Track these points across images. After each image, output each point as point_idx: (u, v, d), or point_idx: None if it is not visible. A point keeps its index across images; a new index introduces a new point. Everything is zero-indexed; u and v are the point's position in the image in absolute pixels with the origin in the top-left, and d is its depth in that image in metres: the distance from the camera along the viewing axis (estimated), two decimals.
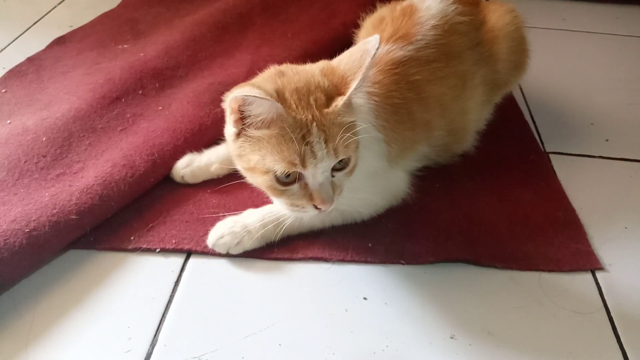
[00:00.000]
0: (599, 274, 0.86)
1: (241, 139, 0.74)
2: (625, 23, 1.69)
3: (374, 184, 0.88)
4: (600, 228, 0.93)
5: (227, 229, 0.83)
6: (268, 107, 0.69)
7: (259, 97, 0.67)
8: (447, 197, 0.97)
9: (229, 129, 0.76)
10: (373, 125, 0.84)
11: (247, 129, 0.72)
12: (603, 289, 0.83)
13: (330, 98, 0.73)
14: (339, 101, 0.72)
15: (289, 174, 0.72)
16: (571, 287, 0.83)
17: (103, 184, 0.87)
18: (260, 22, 1.40)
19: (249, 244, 0.84)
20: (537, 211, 0.95)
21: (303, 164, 0.71)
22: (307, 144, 0.70)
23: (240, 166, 0.78)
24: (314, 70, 0.77)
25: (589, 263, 0.87)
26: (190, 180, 0.96)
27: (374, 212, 0.91)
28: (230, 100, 0.71)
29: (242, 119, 0.72)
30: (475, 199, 0.97)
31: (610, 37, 1.61)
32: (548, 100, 1.29)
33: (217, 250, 0.84)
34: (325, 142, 0.71)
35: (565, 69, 1.43)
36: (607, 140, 1.16)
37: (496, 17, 1.04)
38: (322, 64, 0.78)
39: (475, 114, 1.02)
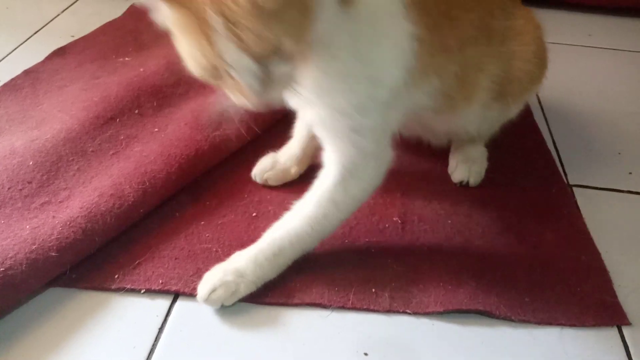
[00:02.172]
0: (625, 330, 0.78)
1: None
2: None
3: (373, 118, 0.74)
4: (628, 275, 0.85)
5: (218, 281, 0.75)
6: None
7: None
8: (460, 236, 0.89)
9: None
10: (403, 8, 0.69)
11: None
12: (630, 349, 0.75)
13: None
14: None
15: None
16: (595, 346, 0.75)
17: (88, 216, 0.81)
18: None
19: (244, 291, 0.77)
20: (559, 254, 0.87)
21: None
22: None
23: None
24: None
25: (614, 318, 0.78)
26: (273, 183, 0.95)
27: (371, 187, 0.80)
28: None
29: None
30: (491, 239, 0.89)
31: None
32: (572, 125, 1.20)
33: (210, 305, 0.76)
34: None
35: (591, 90, 1.34)
36: (630, 173, 1.07)
37: (526, 12, 0.95)
38: None
39: (487, 82, 0.89)
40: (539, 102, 1.26)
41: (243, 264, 0.77)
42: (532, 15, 0.95)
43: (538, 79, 0.97)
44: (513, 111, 1.00)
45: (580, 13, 1.72)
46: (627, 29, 1.65)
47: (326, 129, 0.76)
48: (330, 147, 0.77)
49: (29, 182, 0.89)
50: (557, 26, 1.62)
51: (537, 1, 1.69)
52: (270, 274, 0.79)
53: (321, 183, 0.79)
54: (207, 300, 0.75)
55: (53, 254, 0.76)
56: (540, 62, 0.96)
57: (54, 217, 0.82)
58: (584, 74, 1.41)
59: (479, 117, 0.94)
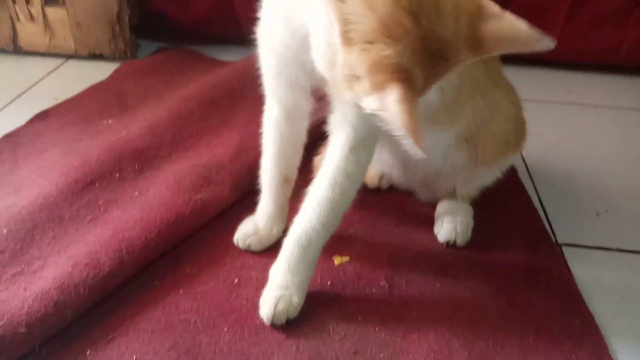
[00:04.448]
0: None
1: None
2: (636, 96, 1.63)
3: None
4: (623, 339, 0.82)
5: (273, 299, 0.79)
6: None
7: None
8: (449, 300, 0.87)
9: None
10: None
11: None
12: None
13: None
14: None
15: None
16: None
17: (60, 288, 0.78)
18: (252, 97, 1.33)
19: (298, 299, 0.80)
20: (552, 318, 0.84)
21: None
22: None
23: None
24: None
25: None
26: (256, 248, 0.93)
27: (373, 151, 0.82)
28: None
29: None
30: (481, 303, 0.86)
31: (620, 111, 1.54)
32: (558, 183, 1.20)
33: (277, 322, 0.79)
34: None
35: (574, 147, 1.35)
36: (601, 212, 1.07)
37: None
38: None
39: (470, 114, 0.90)
40: (524, 160, 1.26)
41: (281, 277, 0.81)
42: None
43: (514, 146, 0.97)
44: (485, 174, 0.99)
45: (559, 70, 1.76)
46: (606, 85, 1.69)
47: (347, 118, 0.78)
48: (344, 128, 0.79)
49: (2, 252, 0.86)
50: (537, 83, 1.65)
51: (516, 60, 1.74)
52: (309, 270, 0.83)
53: (330, 161, 0.79)
54: (274, 316, 0.78)
55: (22, 330, 0.72)
56: (518, 130, 0.97)
57: (25, 289, 0.79)
58: (566, 130, 1.43)
59: (446, 150, 0.94)
